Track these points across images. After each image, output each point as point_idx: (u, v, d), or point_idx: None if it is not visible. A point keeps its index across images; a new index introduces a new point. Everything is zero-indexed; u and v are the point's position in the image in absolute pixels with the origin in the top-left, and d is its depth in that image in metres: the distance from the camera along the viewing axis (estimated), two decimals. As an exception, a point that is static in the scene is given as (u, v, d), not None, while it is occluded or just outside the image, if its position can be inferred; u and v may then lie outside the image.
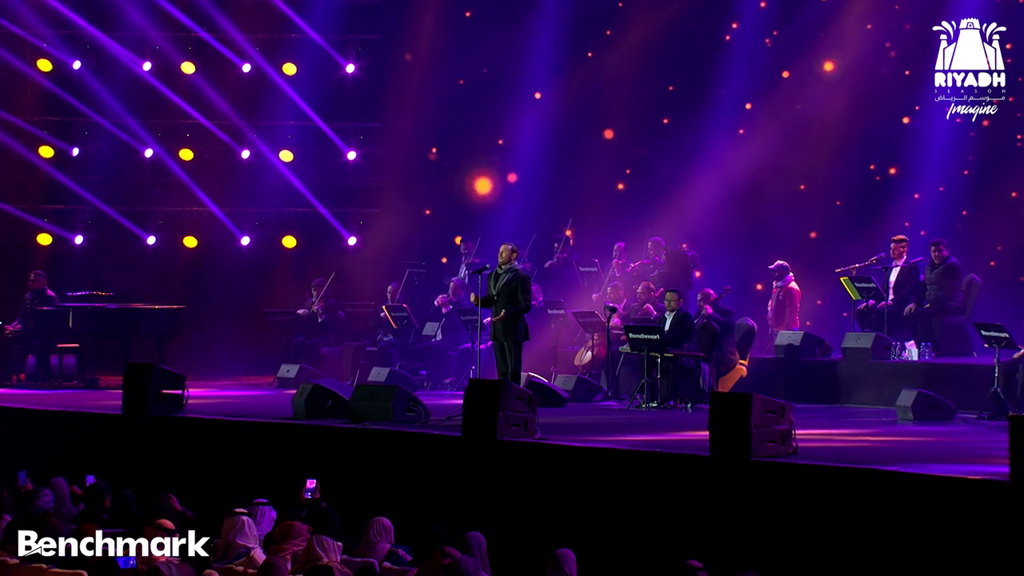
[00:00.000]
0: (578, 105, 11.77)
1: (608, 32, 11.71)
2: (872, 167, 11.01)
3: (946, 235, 9.46)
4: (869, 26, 10.79)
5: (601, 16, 11.69)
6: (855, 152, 10.90)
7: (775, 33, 11.18)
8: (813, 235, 10.95)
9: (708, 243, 10.76)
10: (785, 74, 11.15)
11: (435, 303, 10.25)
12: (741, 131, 11.19)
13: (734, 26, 11.30)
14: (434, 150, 12.15)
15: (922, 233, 10.13)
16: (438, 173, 12.28)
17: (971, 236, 10.07)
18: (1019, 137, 10.46)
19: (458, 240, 11.05)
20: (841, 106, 10.79)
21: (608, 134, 11.78)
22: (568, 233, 10.79)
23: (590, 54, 11.66)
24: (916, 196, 10.62)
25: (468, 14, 11.83)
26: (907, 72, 10.78)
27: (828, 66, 11.03)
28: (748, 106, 11.15)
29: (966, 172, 10.52)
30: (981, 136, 10.37)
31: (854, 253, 9.77)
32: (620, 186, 11.75)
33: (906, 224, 10.35)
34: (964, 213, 10.41)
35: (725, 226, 10.86)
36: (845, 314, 9.77)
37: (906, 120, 10.74)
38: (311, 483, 6.02)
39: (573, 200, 11.67)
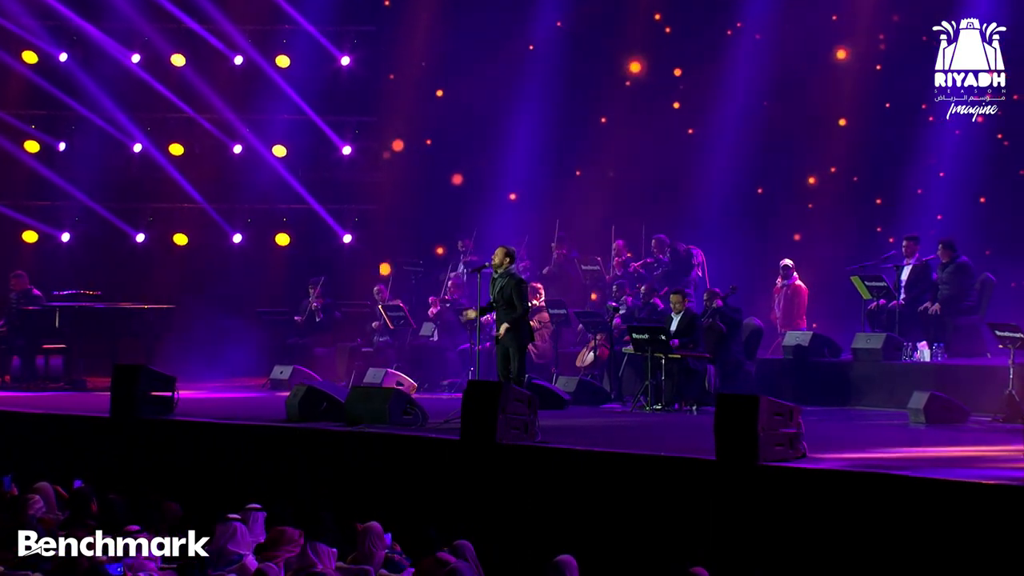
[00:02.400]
0: (575, 98, 11.70)
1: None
2: (833, 169, 11.06)
3: (923, 238, 9.37)
4: (835, 16, 10.82)
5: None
6: (824, 152, 10.96)
7: (737, 25, 11.21)
8: (797, 237, 10.93)
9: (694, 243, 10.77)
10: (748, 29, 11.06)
11: (430, 312, 10.03)
12: (690, 131, 11.24)
13: (661, 25, 11.28)
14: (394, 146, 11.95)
15: (891, 240, 10.17)
16: (434, 170, 12.14)
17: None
18: (1000, 136, 10.41)
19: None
20: (817, 105, 10.90)
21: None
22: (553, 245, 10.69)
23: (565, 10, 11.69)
24: (878, 202, 10.75)
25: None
26: (878, 67, 10.82)
27: (842, 54, 11.04)
28: (676, 105, 11.21)
29: (942, 174, 10.52)
30: (966, 135, 10.39)
31: (842, 255, 9.72)
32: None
33: (878, 229, 10.45)
34: (939, 217, 10.40)
35: (707, 228, 10.84)
36: (816, 324, 9.66)
37: (842, 122, 10.81)
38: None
39: (569, 198, 11.56)
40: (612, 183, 11.46)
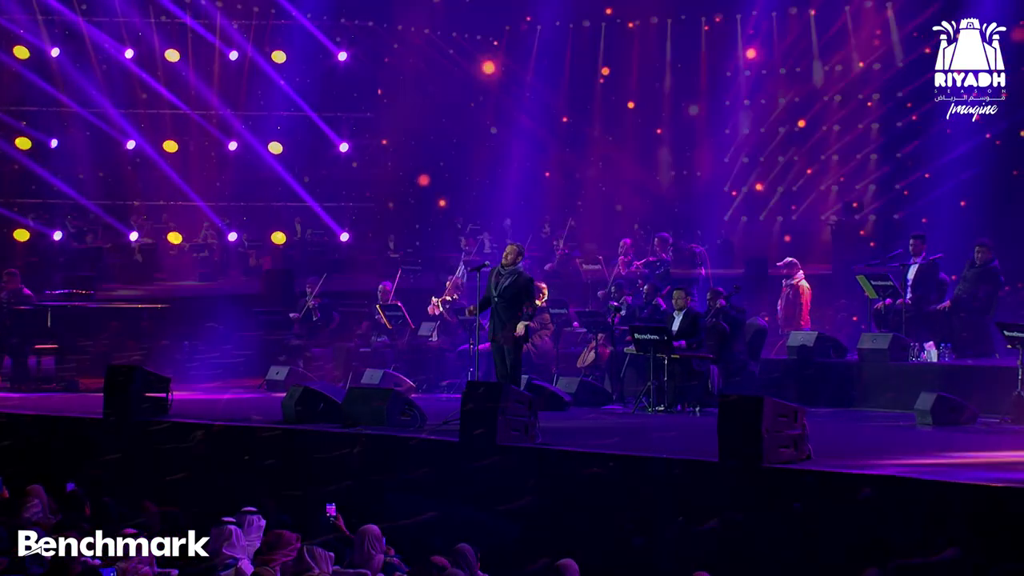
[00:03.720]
0: (575, 94, 11.68)
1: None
2: (809, 171, 11.19)
3: (907, 242, 9.26)
4: (813, 11, 10.94)
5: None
6: (812, 151, 11.12)
7: (717, 18, 11.28)
8: (788, 238, 10.88)
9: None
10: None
11: (429, 310, 9.92)
12: (659, 131, 11.31)
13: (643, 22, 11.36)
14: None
15: (872, 244, 10.12)
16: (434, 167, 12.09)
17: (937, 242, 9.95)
18: (988, 136, 10.36)
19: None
20: (801, 103, 10.98)
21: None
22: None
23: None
24: (855, 206, 10.74)
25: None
26: (861, 63, 10.87)
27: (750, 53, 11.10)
28: (631, 105, 11.30)
29: (927, 175, 10.44)
30: (959, 135, 10.37)
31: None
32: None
33: (861, 232, 10.40)
34: (924, 220, 10.34)
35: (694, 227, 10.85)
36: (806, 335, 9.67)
37: (801, 123, 10.95)
38: (331, 509, 5.65)
39: (572, 197, 11.53)
40: (610, 183, 11.44)
